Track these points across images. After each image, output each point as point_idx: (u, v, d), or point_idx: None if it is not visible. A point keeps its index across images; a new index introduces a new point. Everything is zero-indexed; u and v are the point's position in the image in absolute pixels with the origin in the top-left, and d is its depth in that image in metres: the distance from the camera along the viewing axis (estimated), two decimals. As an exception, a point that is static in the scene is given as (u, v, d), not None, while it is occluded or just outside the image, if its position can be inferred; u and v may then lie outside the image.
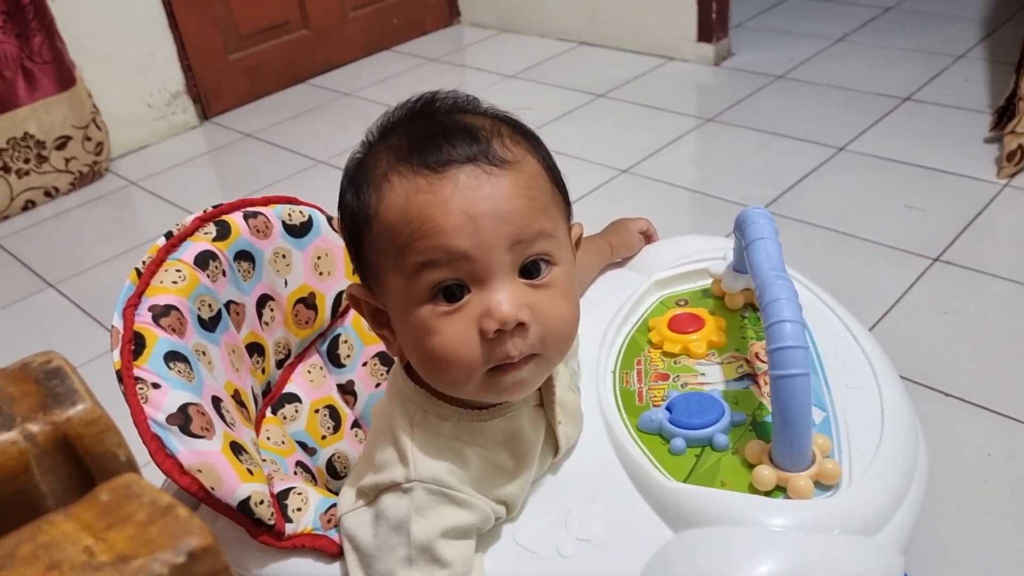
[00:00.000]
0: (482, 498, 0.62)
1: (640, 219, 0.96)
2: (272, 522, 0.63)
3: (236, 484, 0.61)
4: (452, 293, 0.57)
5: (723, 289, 0.85)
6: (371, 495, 0.62)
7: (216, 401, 0.67)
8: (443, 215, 0.55)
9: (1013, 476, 1.13)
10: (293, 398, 0.83)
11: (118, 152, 2.33)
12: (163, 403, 0.62)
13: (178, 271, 0.70)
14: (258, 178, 2.14)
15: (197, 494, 0.61)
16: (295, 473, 0.77)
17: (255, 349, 0.79)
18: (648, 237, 0.95)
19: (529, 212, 0.57)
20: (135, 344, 0.64)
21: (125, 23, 2.26)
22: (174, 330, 0.67)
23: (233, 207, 0.78)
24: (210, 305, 0.72)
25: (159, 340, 0.65)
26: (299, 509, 0.67)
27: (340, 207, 0.63)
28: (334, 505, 0.67)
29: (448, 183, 0.56)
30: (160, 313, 0.67)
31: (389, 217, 0.57)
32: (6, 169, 2.06)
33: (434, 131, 0.59)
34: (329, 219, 0.84)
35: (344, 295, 0.72)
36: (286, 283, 0.81)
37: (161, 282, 0.69)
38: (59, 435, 0.28)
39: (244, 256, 0.77)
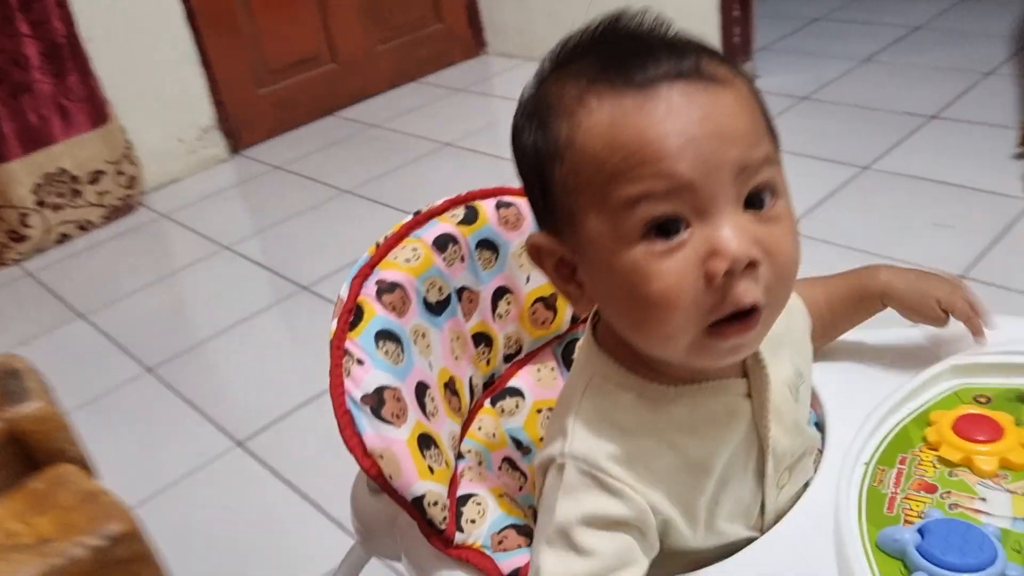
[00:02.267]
0: (645, 492, 0.54)
1: (948, 281, 0.71)
2: (443, 526, 0.60)
3: (414, 479, 0.59)
4: (668, 229, 0.49)
5: None
6: (540, 472, 0.58)
7: (421, 388, 0.64)
8: (662, 137, 0.48)
9: None
10: (516, 393, 0.78)
11: (151, 186, 2.38)
12: (363, 380, 0.60)
13: (415, 249, 0.68)
14: (284, 208, 2.18)
15: (377, 479, 0.59)
16: (499, 468, 0.73)
17: (482, 339, 0.75)
18: (954, 311, 0.70)
19: (754, 133, 0.50)
20: (354, 315, 0.63)
21: (158, 61, 2.32)
22: (394, 308, 0.64)
23: (487, 194, 0.75)
24: (440, 288, 0.69)
25: (376, 316, 0.63)
26: (473, 521, 0.63)
27: (516, 149, 0.56)
28: (511, 526, 0.63)
29: (661, 102, 0.48)
30: (385, 289, 0.64)
31: (591, 145, 0.50)
32: (42, 203, 2.11)
33: (630, 49, 0.51)
34: None
35: (525, 245, 0.62)
36: (528, 279, 0.76)
37: (395, 258, 0.67)
38: (9, 431, 0.29)
39: (487, 245, 0.73)
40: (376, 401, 0.59)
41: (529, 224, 0.74)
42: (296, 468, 1.33)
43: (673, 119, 0.48)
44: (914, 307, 0.70)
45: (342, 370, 0.60)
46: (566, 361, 0.80)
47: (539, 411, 0.77)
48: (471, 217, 0.72)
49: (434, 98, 2.79)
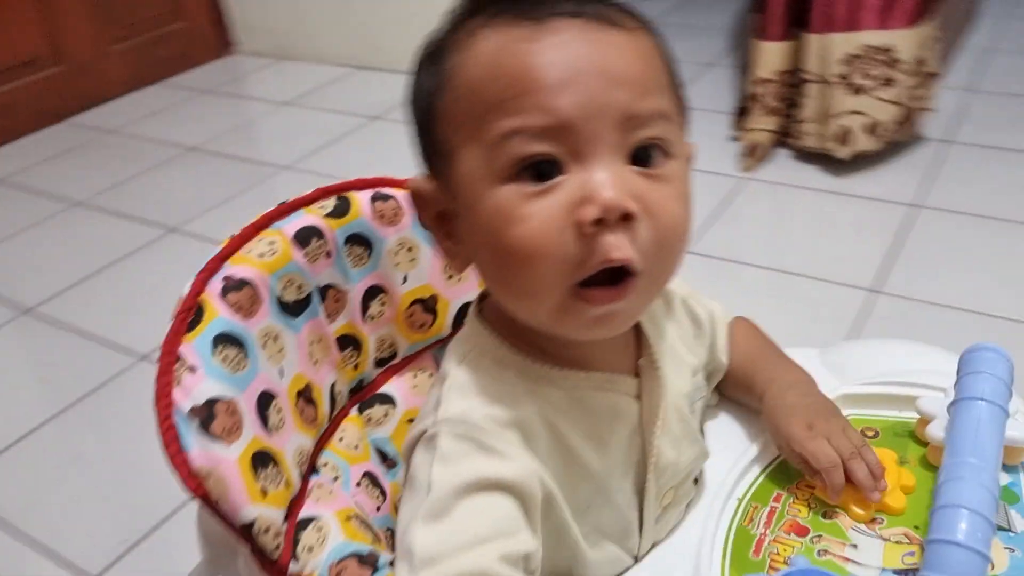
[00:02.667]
0: (527, 457, 0.49)
1: (839, 437, 0.59)
2: (275, 555, 0.53)
3: (243, 502, 0.52)
4: (543, 171, 0.45)
5: (926, 434, 0.61)
6: (407, 453, 0.53)
7: (265, 399, 0.57)
8: (544, 66, 0.45)
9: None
10: (387, 400, 0.72)
11: None
12: (193, 390, 0.52)
13: (271, 243, 0.61)
14: (6, 225, 1.99)
15: (204, 502, 0.53)
16: (357, 484, 0.66)
17: (350, 342, 0.69)
18: (826, 475, 0.58)
19: (646, 82, 0.47)
20: (193, 316, 0.56)
21: None
22: (240, 308, 0.58)
23: (366, 184, 0.68)
24: (300, 287, 0.63)
25: (217, 318, 0.56)
26: (311, 549, 0.55)
27: (411, 94, 0.53)
28: (353, 555, 0.56)
29: (552, 34, 0.46)
30: (232, 287, 0.57)
31: (473, 73, 0.47)
32: None
33: None
34: None
35: (408, 189, 0.57)
36: (405, 279, 0.70)
37: (249, 252, 0.60)
38: None
39: (359, 240, 0.67)
40: (206, 414, 0.53)
41: (409, 219, 0.69)
42: (14, 505, 1.23)
43: (560, 51, 0.45)
44: (777, 443, 0.62)
45: (171, 378, 0.53)
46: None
47: (410, 421, 0.71)
48: (342, 209, 0.66)
49: (178, 101, 2.66)
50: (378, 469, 0.68)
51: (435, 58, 0.51)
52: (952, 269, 1.54)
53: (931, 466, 0.59)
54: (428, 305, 0.71)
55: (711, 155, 2.01)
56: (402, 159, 2.06)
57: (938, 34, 1.83)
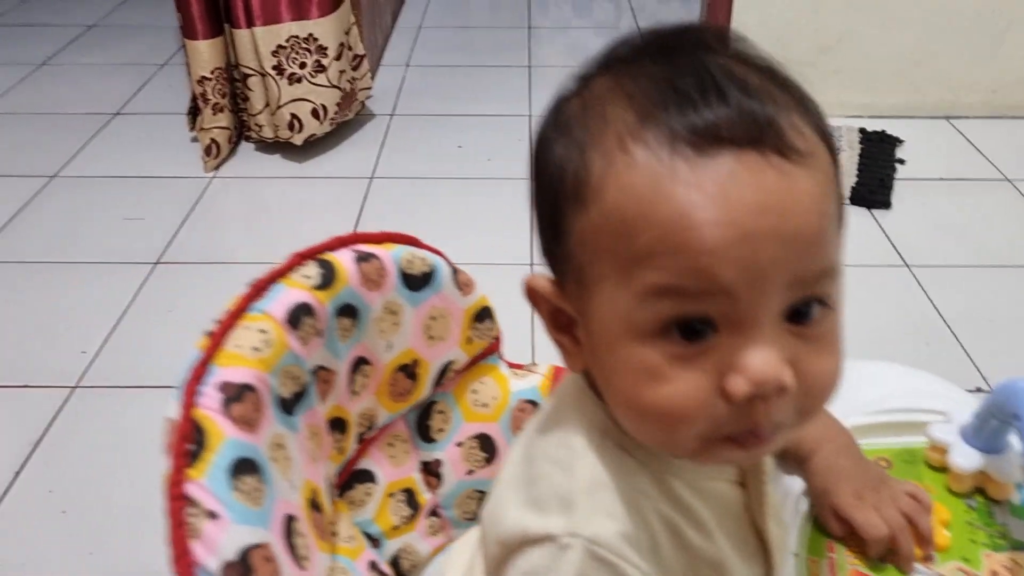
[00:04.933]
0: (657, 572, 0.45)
1: (889, 492, 0.60)
2: None
3: None
4: (694, 330, 0.40)
5: (949, 464, 0.62)
6: (511, 544, 0.45)
7: (288, 526, 0.49)
8: (708, 225, 0.38)
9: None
10: (366, 477, 0.66)
11: None
12: (219, 543, 0.42)
13: (262, 331, 0.51)
14: None
15: None
16: None
17: (337, 425, 0.61)
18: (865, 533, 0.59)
19: (822, 234, 0.40)
20: (194, 441, 0.45)
21: None
22: (247, 423, 0.48)
23: (342, 242, 0.59)
24: (296, 378, 0.54)
25: (226, 441, 0.46)
26: None
27: (539, 154, 0.45)
28: None
29: (719, 178, 0.38)
30: (233, 397, 0.48)
31: (623, 208, 0.40)
32: None
33: (698, 81, 0.40)
34: (453, 271, 0.65)
35: (524, 286, 0.47)
36: (389, 346, 0.62)
37: (238, 346, 0.50)
38: None
39: (347, 311, 0.58)
40: (243, 570, 0.43)
41: (393, 280, 0.61)
42: None
43: (729, 206, 0.38)
44: (818, 503, 0.61)
45: (186, 531, 0.42)
46: (419, 427, 0.68)
47: (391, 495, 0.66)
48: (328, 278, 0.56)
49: None
50: (375, 555, 0.64)
51: (573, 140, 0.43)
52: (418, 229, 1.72)
53: (957, 495, 0.62)
54: (410, 371, 0.65)
55: (175, 159, 1.98)
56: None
57: (355, 18, 1.99)
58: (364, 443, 0.66)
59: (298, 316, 0.54)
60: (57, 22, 2.80)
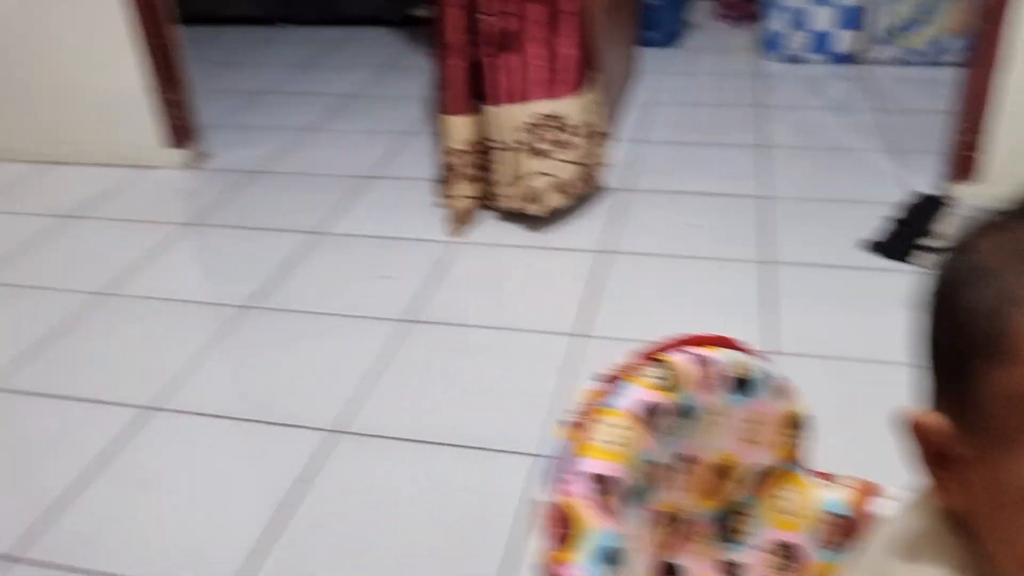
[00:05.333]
0: None
1: None
2: None
3: None
4: None
5: None
6: None
7: None
8: None
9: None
10: (678, 571, 0.66)
11: None
12: None
13: (619, 427, 0.55)
14: None
15: None
16: None
17: (661, 519, 0.62)
18: None
19: None
20: (566, 526, 0.49)
21: None
22: (612, 513, 0.52)
23: (677, 343, 0.61)
24: (646, 473, 0.57)
25: (594, 529, 0.50)
26: None
27: (939, 289, 0.44)
28: None
29: None
30: (600, 487, 0.51)
31: None
32: None
33: None
34: (770, 375, 0.65)
35: (910, 424, 0.45)
36: (710, 445, 0.64)
37: (602, 440, 0.54)
38: None
39: (685, 411, 0.61)
40: None
41: (722, 383, 0.63)
42: None
43: None
44: None
45: None
46: (721, 524, 0.69)
47: None
48: (670, 379, 0.60)
49: None
50: None
51: (993, 290, 0.40)
52: (648, 305, 1.76)
53: None
54: (722, 471, 0.67)
55: (421, 222, 2.12)
56: (104, 258, 1.99)
57: (601, 98, 2.08)
58: (675, 538, 0.67)
59: (649, 414, 0.57)
60: (320, 91, 3.10)
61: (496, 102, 1.92)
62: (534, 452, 1.39)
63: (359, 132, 2.73)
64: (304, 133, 2.75)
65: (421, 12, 3.72)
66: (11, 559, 1.25)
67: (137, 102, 2.43)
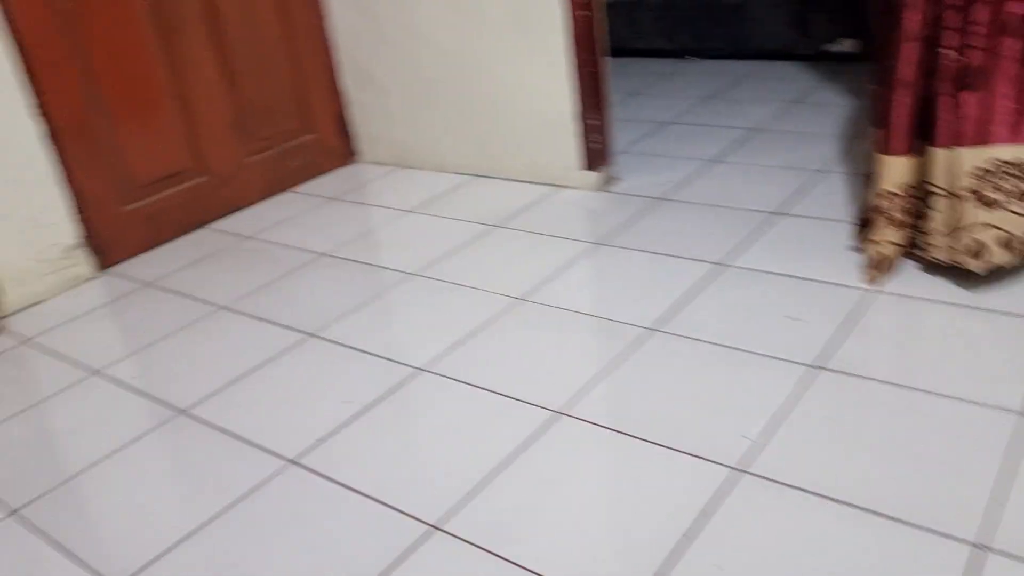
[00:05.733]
0: None
1: None
2: None
3: None
4: None
5: None
6: None
7: None
8: None
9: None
10: None
11: (14, 308, 2.29)
12: None
13: None
14: (158, 327, 2.13)
15: None
16: None
17: None
18: None
19: None
20: None
21: (15, 181, 2.26)
22: None
23: None
24: None
25: None
26: None
27: None
28: None
29: None
30: None
31: None
32: None
33: None
34: None
35: None
36: None
37: None
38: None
39: None
40: None
41: None
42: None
43: None
44: None
45: None
46: None
47: None
48: None
49: (308, 208, 2.82)
50: None
51: None
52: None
53: None
54: None
55: (832, 265, 2.01)
56: (519, 267, 2.14)
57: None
58: None
59: None
60: (726, 124, 3.10)
61: (946, 144, 1.76)
62: (973, 540, 1.23)
63: (766, 167, 2.68)
64: (709, 164, 2.76)
65: (840, 47, 3.56)
66: (433, 527, 1.38)
67: (564, 126, 2.61)
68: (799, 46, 3.70)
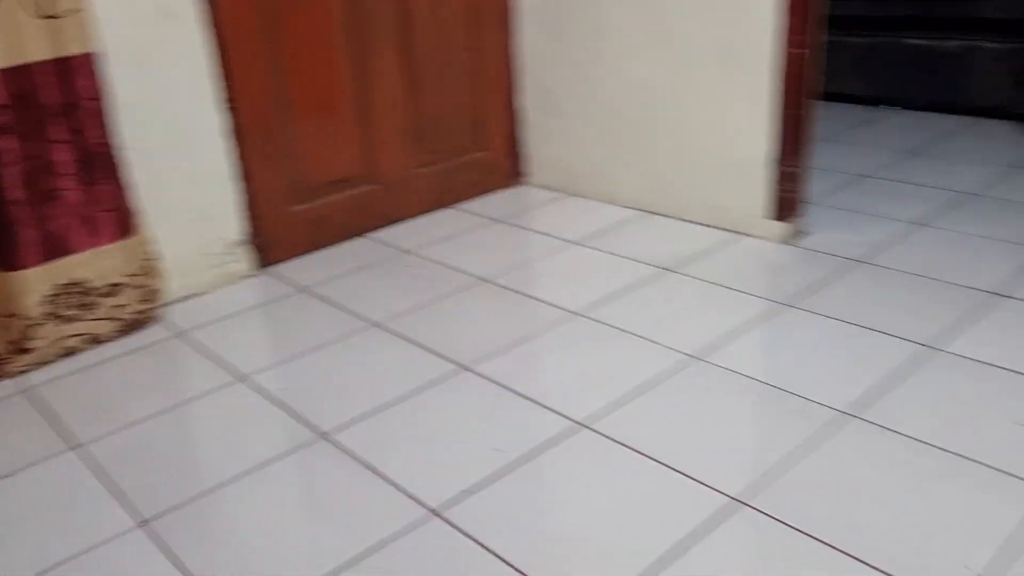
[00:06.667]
0: None
1: None
2: None
3: None
4: None
5: None
6: None
7: None
8: None
9: None
10: None
11: (174, 298, 2.28)
12: None
13: None
14: (309, 337, 2.06)
15: None
16: None
17: None
18: None
19: None
20: None
21: (194, 173, 2.26)
22: None
23: None
24: None
25: None
26: None
27: None
28: None
29: None
30: None
31: None
32: (52, 315, 2.00)
33: None
34: None
35: None
36: None
37: None
38: None
39: None
40: None
41: None
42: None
43: None
44: None
45: None
46: None
47: None
48: None
49: (471, 227, 2.71)
50: None
51: None
52: None
53: None
54: None
55: (1069, 365, 1.71)
56: (694, 319, 1.91)
57: None
58: None
59: None
60: (932, 183, 2.79)
61: None
62: None
63: (983, 237, 2.37)
64: (914, 227, 2.47)
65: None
66: (738, 503, 1.21)
67: (754, 169, 2.40)
68: (1020, 104, 3.33)
